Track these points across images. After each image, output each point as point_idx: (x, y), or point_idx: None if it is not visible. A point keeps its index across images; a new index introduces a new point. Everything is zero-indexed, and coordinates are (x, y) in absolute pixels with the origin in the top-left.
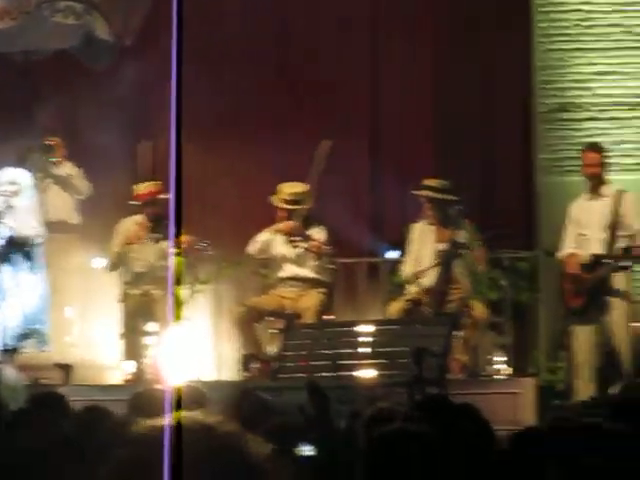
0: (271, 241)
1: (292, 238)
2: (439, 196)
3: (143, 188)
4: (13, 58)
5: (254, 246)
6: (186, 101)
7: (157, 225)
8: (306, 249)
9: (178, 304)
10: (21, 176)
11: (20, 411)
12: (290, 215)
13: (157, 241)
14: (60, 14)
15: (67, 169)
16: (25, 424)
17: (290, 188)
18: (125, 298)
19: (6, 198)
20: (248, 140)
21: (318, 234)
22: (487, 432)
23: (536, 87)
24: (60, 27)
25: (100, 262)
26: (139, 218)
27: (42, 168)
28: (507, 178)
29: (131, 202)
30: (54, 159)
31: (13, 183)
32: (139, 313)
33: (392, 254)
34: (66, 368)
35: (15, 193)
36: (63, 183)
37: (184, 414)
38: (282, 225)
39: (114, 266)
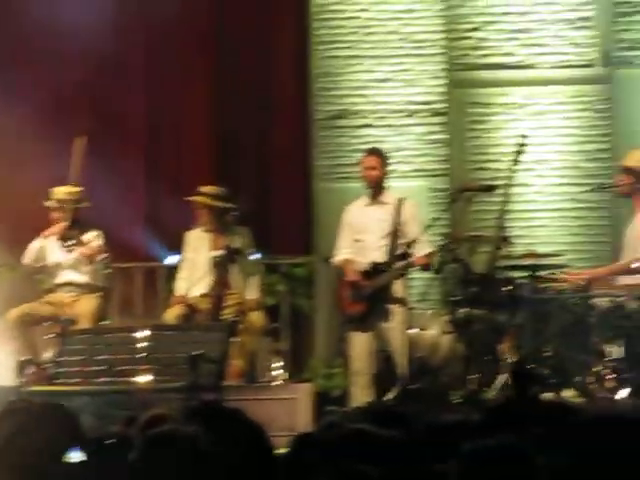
0: (45, 247)
1: (66, 243)
2: (214, 203)
3: None
4: None
5: (29, 255)
6: None
7: None
8: (80, 254)
9: None
10: None
11: None
12: (63, 218)
13: None
14: None
15: None
16: None
17: (61, 190)
18: None
19: None
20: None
21: (94, 239)
22: (260, 437)
23: (313, 94)
24: None
25: None
26: None
27: None
28: (284, 184)
29: None
30: None
31: None
32: None
33: (170, 259)
34: None
35: None
36: None
37: None
38: (55, 228)
39: None
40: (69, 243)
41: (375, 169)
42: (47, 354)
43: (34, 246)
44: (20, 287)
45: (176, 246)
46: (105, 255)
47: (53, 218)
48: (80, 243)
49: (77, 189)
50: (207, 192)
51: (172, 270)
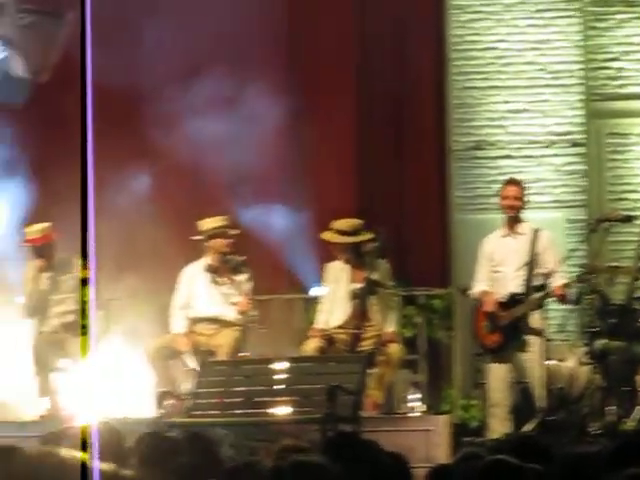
0: (196, 276)
1: (218, 279)
2: (344, 240)
3: (35, 232)
4: None
5: (181, 279)
6: None
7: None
8: (238, 309)
9: (90, 341)
10: None
11: None
12: (214, 250)
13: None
14: None
15: None
16: None
17: (209, 221)
18: (37, 334)
19: None
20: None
21: (245, 283)
22: (399, 468)
23: (451, 125)
24: None
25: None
26: (37, 262)
27: None
28: (421, 215)
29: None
30: None
31: None
32: (51, 349)
33: (314, 291)
34: None
35: None
36: None
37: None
38: (211, 261)
39: (30, 311)
40: (218, 278)
41: (515, 199)
42: (186, 385)
43: (187, 272)
44: (160, 318)
45: (315, 279)
46: (255, 313)
47: (205, 250)
48: (231, 280)
49: (222, 218)
50: (339, 228)
51: (310, 302)
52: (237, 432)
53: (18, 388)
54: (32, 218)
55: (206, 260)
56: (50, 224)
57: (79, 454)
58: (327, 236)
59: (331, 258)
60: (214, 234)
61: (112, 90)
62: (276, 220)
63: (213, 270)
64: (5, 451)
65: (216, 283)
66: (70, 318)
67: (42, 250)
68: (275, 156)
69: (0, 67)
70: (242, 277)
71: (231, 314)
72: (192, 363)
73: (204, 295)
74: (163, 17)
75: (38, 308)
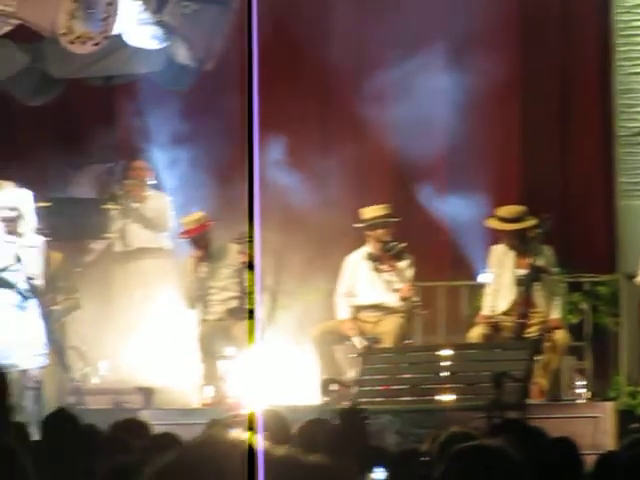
0: (358, 264)
1: (380, 266)
2: (512, 227)
3: (192, 222)
4: (93, 83)
5: (345, 267)
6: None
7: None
8: (400, 296)
9: (256, 327)
10: (23, 199)
11: (102, 435)
12: (374, 238)
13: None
14: (141, 39)
15: (155, 201)
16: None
17: (370, 210)
18: (202, 322)
19: (7, 224)
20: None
21: (406, 268)
22: (569, 455)
23: (616, 110)
24: (141, 52)
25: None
26: (196, 252)
27: (125, 206)
28: (586, 202)
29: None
30: (139, 191)
31: (13, 209)
32: (217, 337)
33: (480, 278)
34: (147, 391)
35: (15, 219)
36: (146, 221)
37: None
38: (373, 249)
39: (192, 301)
40: (382, 267)
41: None
42: (350, 373)
43: (350, 260)
44: (323, 305)
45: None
46: (417, 299)
47: (366, 238)
48: (392, 268)
49: (384, 207)
50: (503, 215)
51: (475, 288)
52: (402, 419)
53: (183, 376)
54: (194, 205)
55: (367, 248)
56: (205, 213)
57: (245, 441)
58: (492, 223)
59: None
60: (375, 223)
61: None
62: (442, 207)
63: (374, 258)
64: (171, 438)
65: (378, 271)
66: (234, 304)
67: (199, 240)
68: (442, 143)
69: (164, 54)
70: (403, 264)
71: (394, 301)
72: (357, 350)
73: (366, 283)
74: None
75: (199, 297)
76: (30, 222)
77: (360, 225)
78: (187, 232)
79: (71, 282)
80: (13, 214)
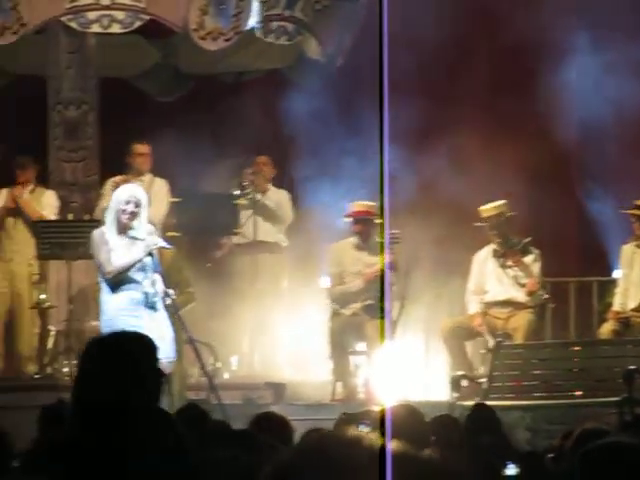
0: (486, 260)
1: (506, 262)
2: None
3: (358, 206)
4: (224, 79)
5: (473, 263)
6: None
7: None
8: (527, 290)
9: (388, 324)
10: (139, 195)
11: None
12: (497, 236)
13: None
14: (272, 34)
15: (272, 198)
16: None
17: (488, 207)
18: (334, 317)
19: (128, 217)
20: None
21: (533, 264)
22: None
23: None
24: (272, 47)
25: (314, 282)
26: (352, 240)
27: (251, 197)
28: None
29: (345, 219)
30: (263, 185)
31: (137, 204)
32: (348, 332)
33: (613, 274)
34: (278, 387)
35: (136, 215)
36: (265, 212)
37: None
38: (497, 245)
39: (332, 288)
40: (506, 261)
41: None
42: (481, 368)
43: (479, 257)
44: (453, 301)
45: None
46: (543, 293)
47: (486, 235)
48: (518, 263)
49: (501, 203)
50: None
51: (606, 285)
52: (533, 415)
53: (314, 371)
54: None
55: (492, 245)
56: (372, 203)
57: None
58: (634, 212)
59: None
60: (493, 220)
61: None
62: (574, 202)
63: (499, 255)
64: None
65: (504, 267)
66: (371, 301)
67: (362, 223)
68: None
69: (295, 50)
70: (529, 258)
71: (522, 296)
72: (488, 345)
73: (494, 279)
74: None
75: (338, 283)
76: (158, 217)
77: (480, 224)
78: (354, 213)
79: (185, 276)
80: (138, 210)
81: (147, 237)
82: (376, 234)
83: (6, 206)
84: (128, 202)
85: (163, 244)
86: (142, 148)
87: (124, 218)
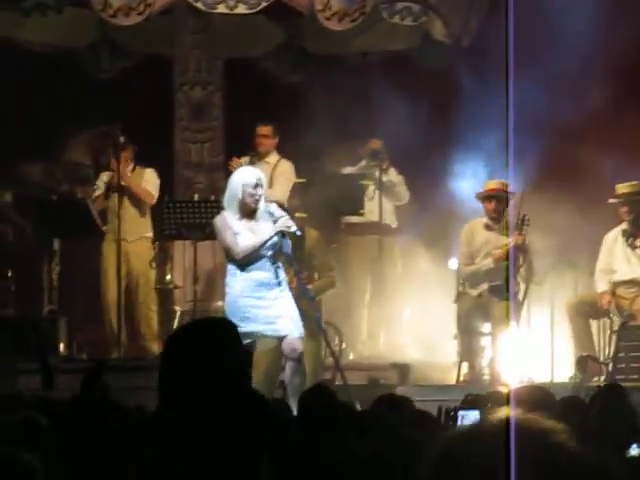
0: (615, 240)
1: (635, 242)
2: None
3: (491, 184)
4: (348, 59)
5: (603, 242)
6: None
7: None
8: None
9: (514, 305)
10: (263, 178)
11: (361, 412)
12: (629, 214)
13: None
14: (397, 15)
15: (391, 176)
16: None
17: (625, 185)
18: (461, 298)
19: (255, 201)
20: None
21: None
22: None
23: None
24: (397, 28)
25: (442, 262)
26: (483, 219)
27: (370, 174)
28: None
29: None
30: (383, 165)
31: (262, 187)
32: (475, 313)
33: None
34: (403, 368)
35: (260, 197)
36: (386, 190)
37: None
38: (627, 225)
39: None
40: (633, 241)
41: None
42: (608, 350)
43: (609, 237)
44: (579, 282)
45: None
46: None
47: (621, 213)
48: None
49: (638, 182)
50: None
51: None
52: None
53: (440, 352)
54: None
55: (622, 225)
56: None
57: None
58: None
59: None
60: (628, 199)
61: None
62: None
63: (629, 234)
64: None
65: (633, 247)
66: (498, 282)
67: (487, 202)
68: None
69: (420, 31)
70: None
71: None
72: (612, 326)
73: (622, 258)
74: None
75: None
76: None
77: (614, 201)
78: (487, 191)
79: (327, 260)
80: (262, 192)
81: (280, 219)
82: (506, 214)
83: (111, 184)
84: (256, 186)
85: (294, 228)
86: (265, 129)
87: (251, 202)
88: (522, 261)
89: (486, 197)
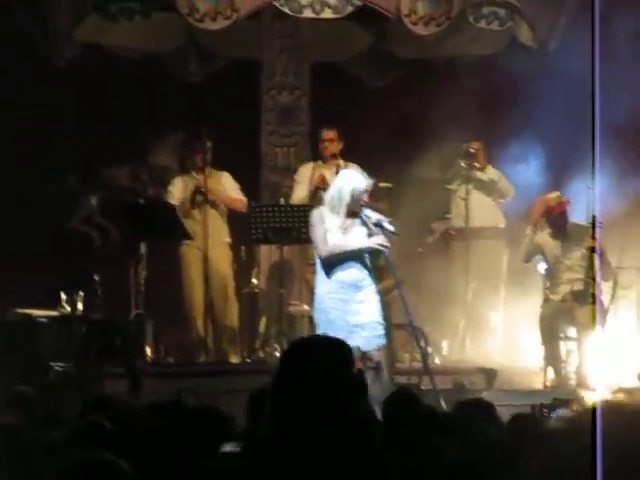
0: None
1: None
2: None
3: (552, 199)
4: (435, 64)
5: None
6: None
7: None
8: None
9: (599, 309)
10: (371, 184)
11: (447, 416)
12: None
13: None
14: (484, 20)
15: (490, 174)
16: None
17: None
18: (545, 303)
19: (362, 206)
20: None
21: None
22: None
23: None
24: (483, 33)
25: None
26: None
27: (464, 174)
28: None
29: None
30: (477, 164)
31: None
32: (559, 318)
33: None
34: (490, 373)
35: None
36: (486, 188)
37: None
38: None
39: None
40: None
41: None
42: None
43: None
44: None
45: None
46: None
47: None
48: None
49: None
50: None
51: None
52: None
53: (526, 357)
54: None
55: None
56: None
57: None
58: None
59: None
60: None
61: None
62: None
63: None
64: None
65: None
66: (579, 286)
67: (557, 218)
68: None
69: (507, 35)
70: None
71: None
72: None
73: None
74: None
75: (550, 274)
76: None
77: None
78: (548, 210)
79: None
80: (365, 197)
81: (377, 236)
82: (567, 223)
83: (196, 189)
84: (365, 192)
85: (387, 251)
86: (330, 134)
87: (356, 206)
88: (599, 264)
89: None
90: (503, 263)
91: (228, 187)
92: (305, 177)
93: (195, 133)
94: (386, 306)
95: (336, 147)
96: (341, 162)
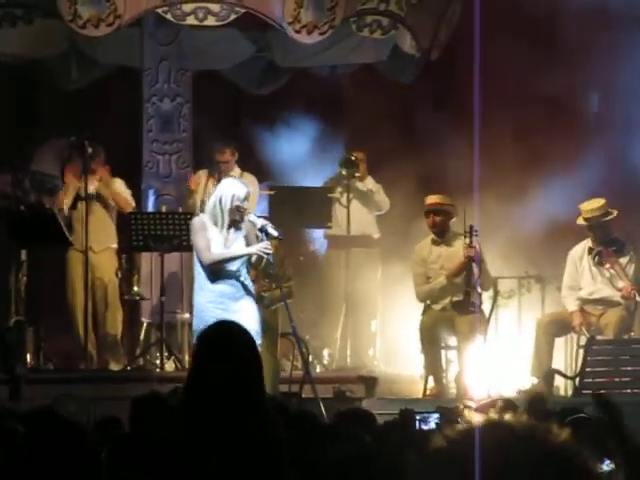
0: (581, 258)
1: (601, 260)
2: None
3: (430, 199)
4: (318, 72)
5: (568, 260)
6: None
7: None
8: (623, 293)
9: (479, 319)
10: (250, 191)
11: (326, 425)
12: (592, 234)
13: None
14: (367, 28)
15: (369, 184)
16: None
17: (588, 206)
18: (426, 312)
19: (242, 215)
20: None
21: (628, 266)
22: None
23: None
24: (366, 41)
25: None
26: (431, 236)
27: (345, 183)
28: None
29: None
30: (357, 174)
31: (248, 200)
32: (439, 327)
33: None
34: (370, 381)
35: (246, 210)
36: (364, 198)
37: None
38: (591, 244)
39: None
40: (600, 260)
41: None
42: (574, 364)
43: (574, 254)
44: (545, 297)
45: None
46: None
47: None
48: (614, 264)
49: (601, 202)
50: None
51: None
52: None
53: (406, 365)
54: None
55: (588, 242)
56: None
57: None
58: None
59: None
60: (591, 218)
61: None
62: None
63: (595, 253)
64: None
65: (599, 265)
66: (459, 296)
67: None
68: None
69: (389, 44)
70: (625, 259)
71: (616, 295)
72: (580, 341)
73: (589, 277)
74: None
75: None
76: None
77: (581, 223)
78: (427, 205)
79: (285, 270)
80: (245, 204)
81: (261, 242)
82: (450, 227)
83: (79, 193)
84: (244, 199)
85: (271, 258)
86: (224, 156)
87: (237, 214)
88: (478, 272)
89: (425, 212)
90: (379, 272)
91: (121, 192)
92: (200, 187)
93: (76, 139)
94: (275, 315)
95: (232, 163)
96: (238, 172)
